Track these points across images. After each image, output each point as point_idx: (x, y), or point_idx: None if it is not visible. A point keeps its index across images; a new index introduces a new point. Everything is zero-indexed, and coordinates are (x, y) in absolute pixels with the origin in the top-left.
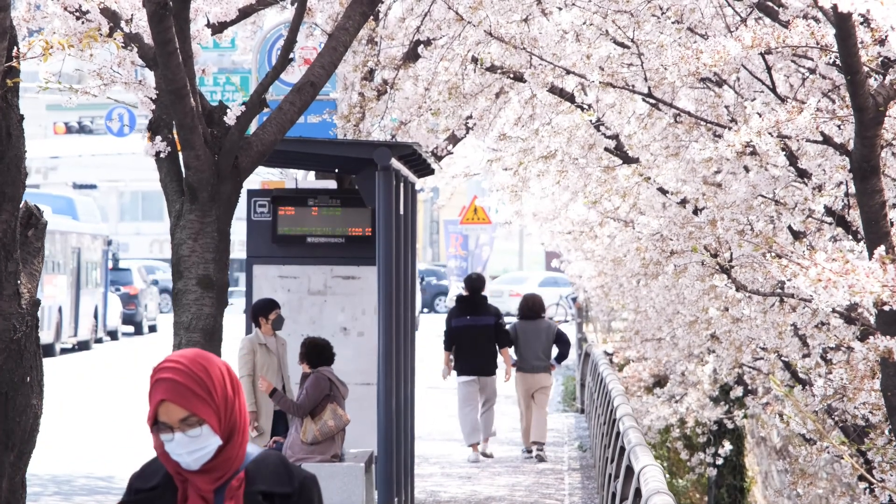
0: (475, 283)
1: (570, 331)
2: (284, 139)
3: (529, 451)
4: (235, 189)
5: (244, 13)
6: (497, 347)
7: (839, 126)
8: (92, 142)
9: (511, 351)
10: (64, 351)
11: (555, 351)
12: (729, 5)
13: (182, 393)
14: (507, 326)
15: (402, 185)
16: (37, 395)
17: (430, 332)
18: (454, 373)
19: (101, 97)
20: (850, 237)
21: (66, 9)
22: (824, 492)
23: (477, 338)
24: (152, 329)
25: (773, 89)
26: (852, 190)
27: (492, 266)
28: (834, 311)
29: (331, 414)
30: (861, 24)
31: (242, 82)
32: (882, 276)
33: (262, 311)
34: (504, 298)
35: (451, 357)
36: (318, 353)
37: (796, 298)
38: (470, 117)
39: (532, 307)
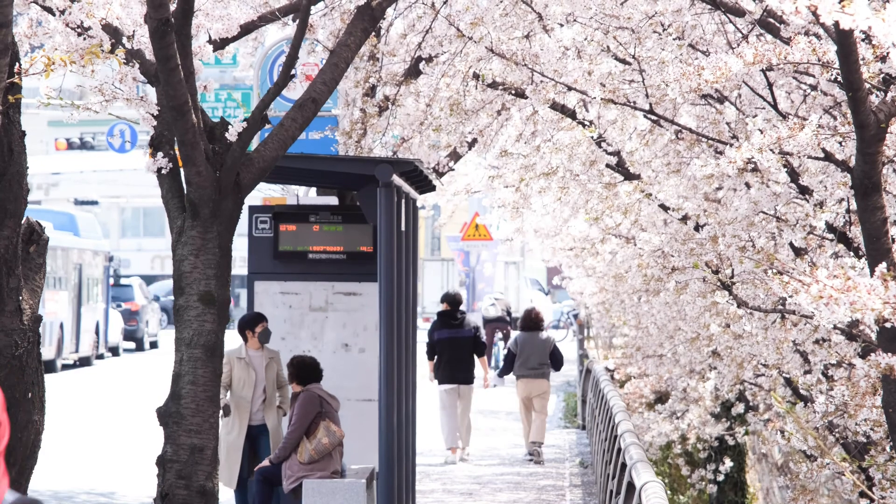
0: (454, 299)
1: (571, 347)
2: (286, 155)
3: (531, 455)
4: (237, 205)
5: (246, 29)
6: (476, 357)
7: (841, 142)
8: (93, 158)
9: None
10: (65, 367)
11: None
12: (730, 22)
13: None
14: (510, 339)
15: (403, 201)
16: (38, 411)
17: None
18: (436, 381)
19: (103, 113)
20: (852, 254)
21: (67, 25)
22: None
23: (457, 349)
24: (153, 345)
25: (775, 106)
26: (854, 206)
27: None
28: (835, 327)
29: (324, 431)
30: (862, 40)
31: (244, 98)
32: (883, 292)
33: (249, 325)
34: None
35: (434, 366)
36: (307, 371)
37: (798, 315)
38: (471, 133)
39: (533, 320)
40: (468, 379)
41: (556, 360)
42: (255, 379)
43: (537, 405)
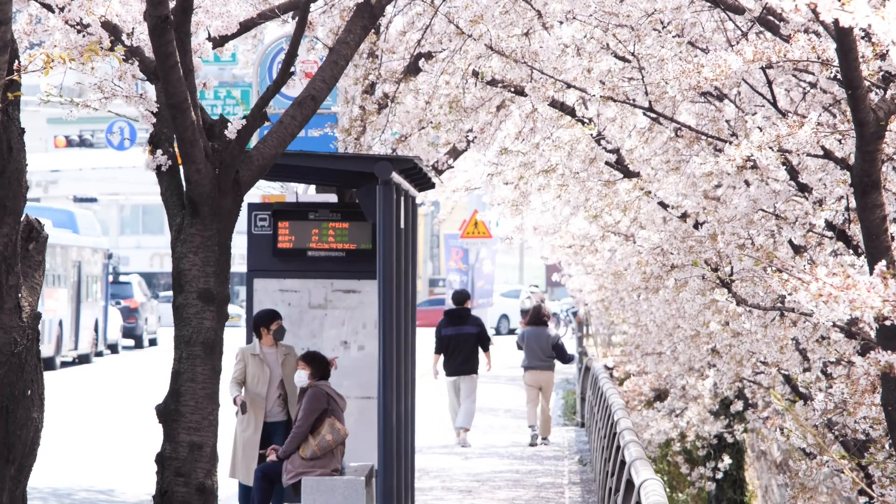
0: (460, 297)
1: (570, 345)
2: (285, 153)
3: (533, 437)
4: (236, 203)
5: (245, 27)
6: (481, 351)
7: (840, 140)
8: (92, 155)
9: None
10: (64, 364)
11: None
12: (730, 19)
13: None
14: (517, 332)
15: (402, 198)
16: (37, 409)
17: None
18: (442, 373)
19: (102, 111)
20: (851, 252)
21: (67, 22)
22: None
23: (462, 344)
24: (152, 342)
25: (774, 103)
26: (853, 204)
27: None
28: (834, 325)
29: (329, 428)
30: (862, 38)
31: (243, 96)
32: (883, 290)
33: (264, 322)
34: None
35: (439, 359)
36: (322, 366)
37: (797, 313)
38: (470, 131)
39: (538, 316)
40: (469, 370)
41: (561, 354)
42: (269, 375)
43: (543, 395)
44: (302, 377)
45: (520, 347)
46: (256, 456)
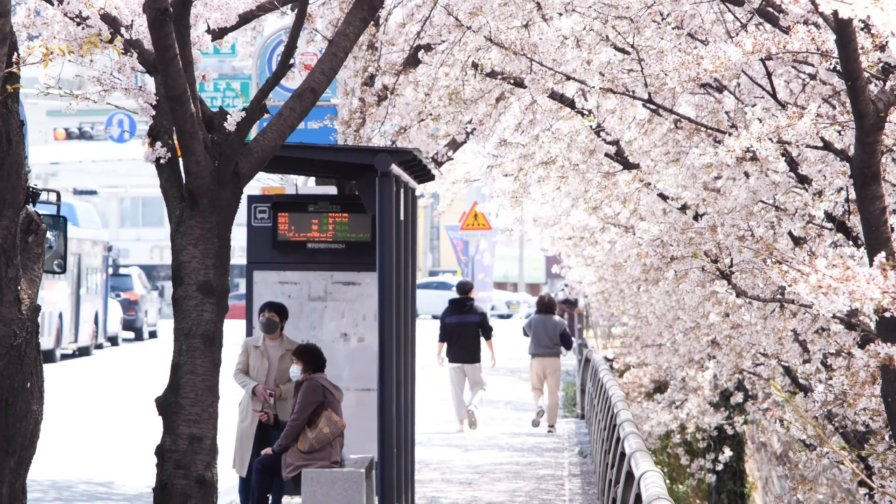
0: (464, 287)
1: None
2: (285, 145)
3: (538, 423)
4: (236, 195)
5: (244, 19)
6: (483, 340)
7: (839, 132)
8: (92, 148)
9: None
10: (64, 357)
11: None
12: (729, 11)
13: None
14: (525, 319)
15: (402, 190)
16: (37, 401)
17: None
18: (446, 360)
19: (101, 103)
20: (851, 243)
21: (66, 14)
22: (825, 497)
23: (464, 333)
24: (152, 335)
25: (774, 95)
26: (853, 195)
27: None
28: (834, 316)
29: (325, 421)
30: (861, 29)
31: (243, 88)
32: (882, 282)
33: (258, 314)
34: None
35: (444, 347)
36: (316, 359)
37: (797, 304)
38: (470, 122)
39: (546, 304)
40: (473, 359)
41: (565, 341)
42: (268, 368)
43: (550, 382)
44: (296, 371)
45: (525, 334)
46: (251, 447)
